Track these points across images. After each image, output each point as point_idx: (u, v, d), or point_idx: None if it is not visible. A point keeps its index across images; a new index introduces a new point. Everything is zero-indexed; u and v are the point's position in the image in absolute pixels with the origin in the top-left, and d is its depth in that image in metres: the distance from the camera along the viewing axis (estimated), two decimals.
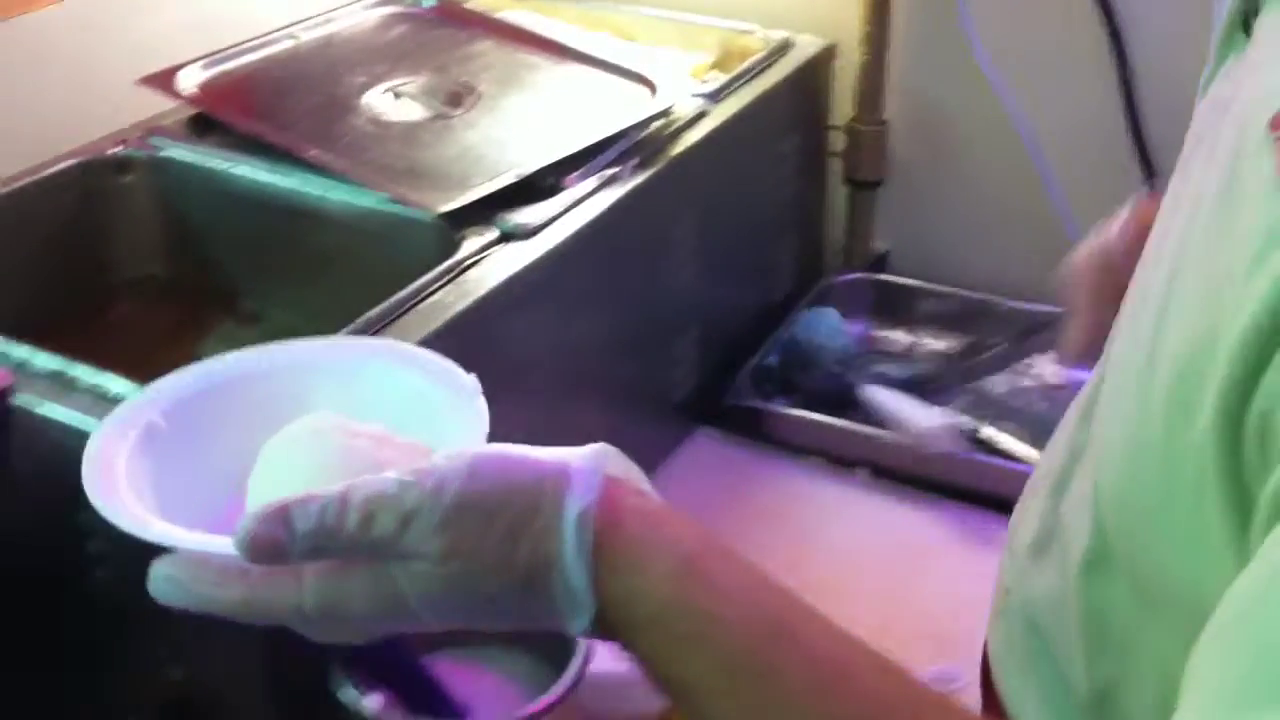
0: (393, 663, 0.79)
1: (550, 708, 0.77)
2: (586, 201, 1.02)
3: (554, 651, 0.85)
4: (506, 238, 0.97)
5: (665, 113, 1.13)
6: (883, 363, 1.36)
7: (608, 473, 0.54)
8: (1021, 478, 0.73)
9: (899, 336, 1.43)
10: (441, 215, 0.97)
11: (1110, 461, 0.54)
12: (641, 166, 1.08)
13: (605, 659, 0.80)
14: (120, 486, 0.60)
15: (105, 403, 0.79)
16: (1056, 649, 0.63)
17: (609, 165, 1.06)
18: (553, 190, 1.02)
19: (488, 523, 0.52)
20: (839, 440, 1.23)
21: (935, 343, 1.42)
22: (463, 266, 0.93)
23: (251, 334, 1.07)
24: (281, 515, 0.52)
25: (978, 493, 1.17)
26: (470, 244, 0.95)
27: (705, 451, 1.25)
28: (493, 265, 0.95)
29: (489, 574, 0.52)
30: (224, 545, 0.54)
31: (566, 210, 1.01)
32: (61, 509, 0.80)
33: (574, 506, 0.52)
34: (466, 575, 0.52)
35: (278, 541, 0.52)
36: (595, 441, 0.56)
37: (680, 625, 0.51)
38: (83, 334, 0.99)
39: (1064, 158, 1.35)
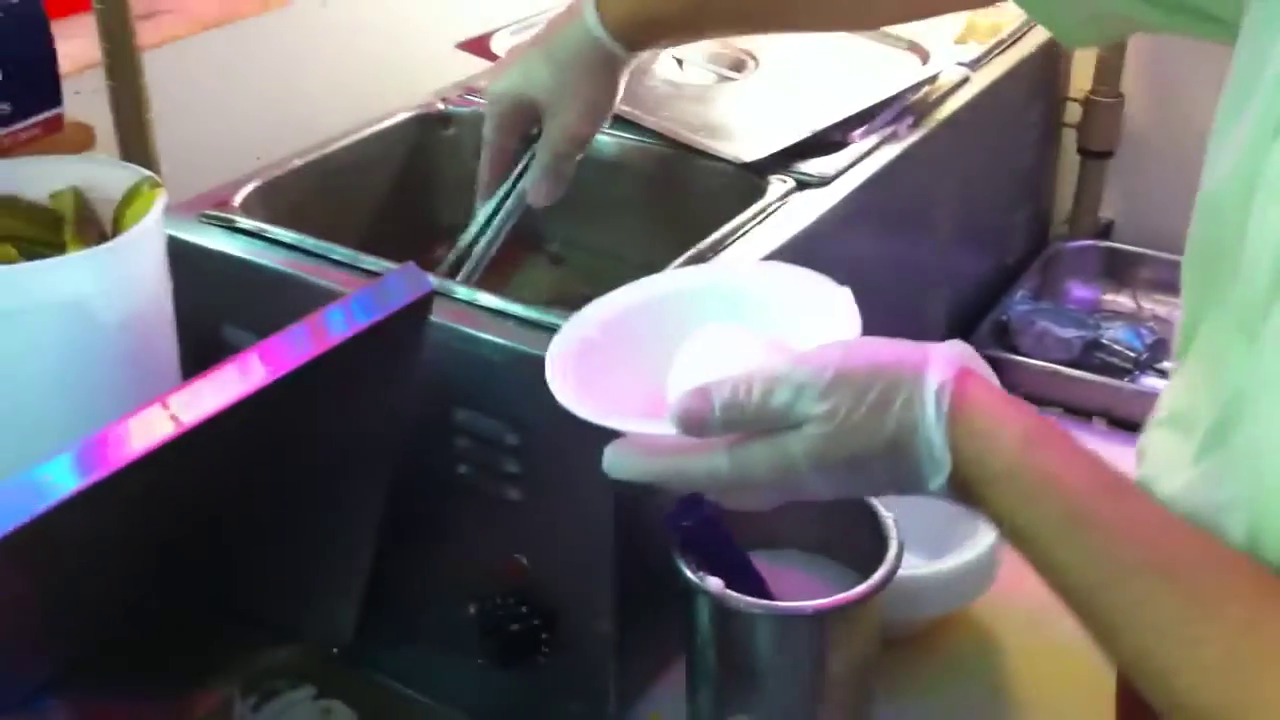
0: (720, 552, 0.89)
1: (865, 598, 0.87)
2: (870, 156, 1.12)
3: (857, 560, 0.94)
4: (803, 185, 1.07)
5: (934, 78, 1.22)
6: (1114, 323, 1.43)
7: (967, 367, 0.64)
8: None
9: (1125, 301, 1.50)
10: (744, 165, 1.07)
11: None
12: (915, 127, 1.17)
13: (906, 565, 0.90)
14: (572, 386, 0.75)
15: (477, 311, 0.91)
16: None
17: (888, 124, 1.15)
18: (839, 146, 1.12)
19: (861, 394, 0.63)
20: (1077, 391, 1.31)
21: (1159, 308, 1.49)
22: (771, 210, 1.03)
23: (556, 275, 1.18)
24: (704, 393, 0.66)
25: None
26: (774, 190, 1.05)
27: None
28: (793, 210, 1.05)
29: (862, 436, 0.63)
30: (659, 426, 0.68)
31: (854, 163, 1.10)
32: (445, 407, 0.92)
33: (933, 382, 0.62)
34: (844, 436, 0.63)
35: (702, 414, 0.66)
36: None
37: (1025, 481, 0.61)
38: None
39: None
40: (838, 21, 1.09)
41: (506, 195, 1.05)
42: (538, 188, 1.03)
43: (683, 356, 0.73)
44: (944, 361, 0.63)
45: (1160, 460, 0.72)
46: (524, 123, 1.03)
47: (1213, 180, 0.66)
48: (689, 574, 0.86)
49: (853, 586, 0.91)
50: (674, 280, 0.84)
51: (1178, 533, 0.60)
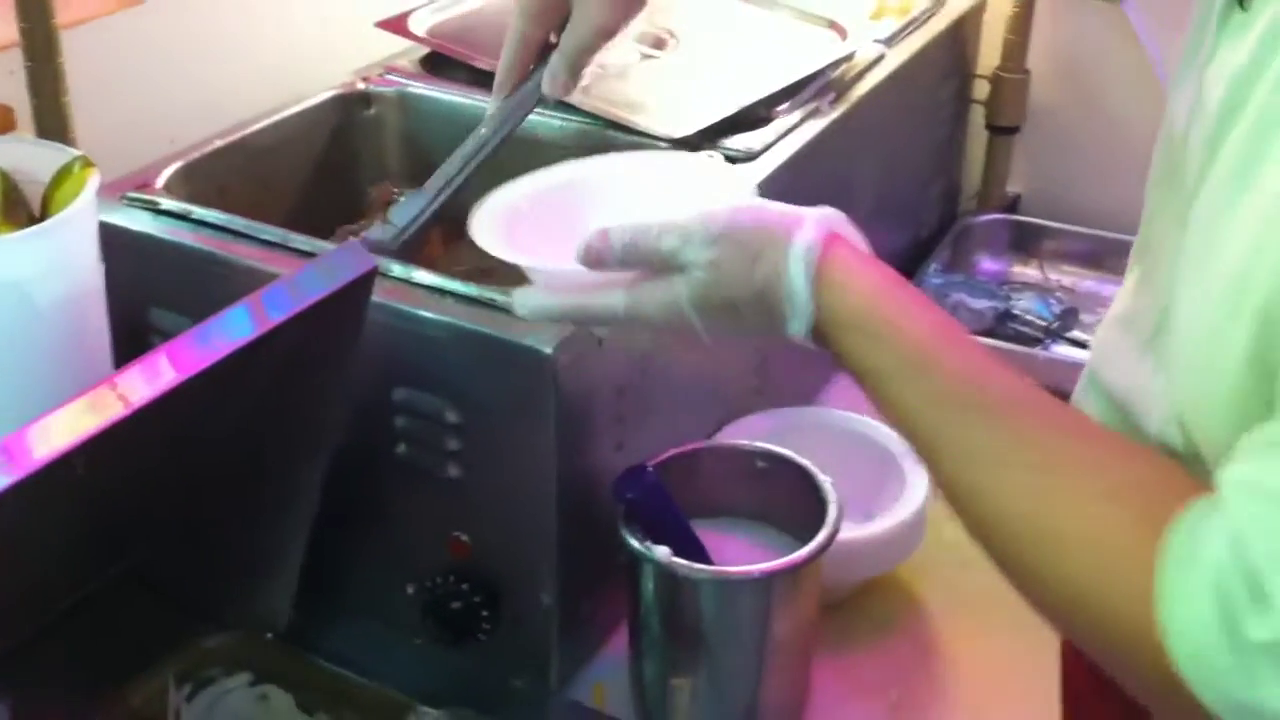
0: (664, 521, 0.91)
1: (809, 560, 0.89)
2: (795, 131, 1.13)
3: (794, 526, 0.96)
4: (731, 160, 1.08)
5: (852, 55, 1.24)
6: (1023, 294, 1.46)
7: (834, 229, 0.73)
8: None
9: (1032, 273, 1.54)
10: (673, 141, 1.08)
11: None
12: (835, 103, 1.19)
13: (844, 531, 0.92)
14: (492, 234, 0.84)
15: (416, 288, 0.91)
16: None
17: (810, 100, 1.17)
18: (763, 121, 1.13)
19: (741, 246, 0.73)
20: None
21: (1065, 279, 1.53)
22: None
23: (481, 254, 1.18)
24: (605, 232, 0.76)
25: None
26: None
27: None
28: None
29: (738, 283, 0.73)
30: (565, 264, 0.77)
31: (780, 138, 1.12)
32: (383, 387, 0.92)
33: (802, 240, 0.71)
34: (722, 282, 0.73)
35: (603, 250, 0.75)
36: None
37: (872, 327, 0.69)
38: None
39: None
40: None
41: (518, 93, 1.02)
42: (556, 79, 1.00)
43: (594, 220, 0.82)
44: (815, 224, 0.72)
45: (1108, 352, 0.79)
46: (554, 11, 0.99)
47: (1172, 114, 0.72)
48: (635, 543, 0.87)
49: (789, 549, 0.93)
50: (599, 165, 0.93)
51: (999, 375, 0.67)
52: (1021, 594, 0.64)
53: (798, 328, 0.71)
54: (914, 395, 0.67)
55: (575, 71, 1.00)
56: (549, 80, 1.00)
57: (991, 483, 0.64)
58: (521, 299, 0.81)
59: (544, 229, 0.85)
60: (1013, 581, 0.64)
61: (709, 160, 0.94)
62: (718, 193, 0.86)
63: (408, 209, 1.01)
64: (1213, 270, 0.59)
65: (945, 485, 0.67)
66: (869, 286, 0.70)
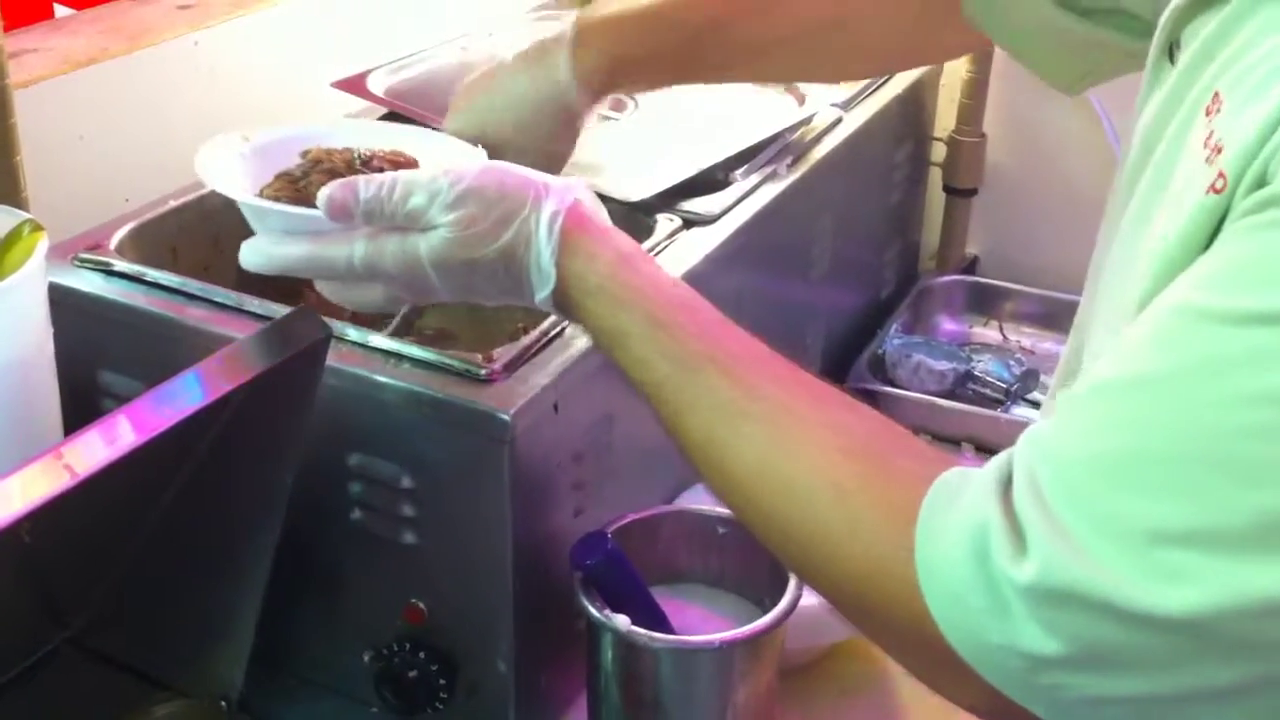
0: (624, 589, 0.90)
1: (770, 629, 0.88)
2: (753, 195, 1.14)
3: (753, 591, 0.95)
4: (689, 224, 1.08)
5: (810, 119, 1.24)
6: (983, 356, 1.47)
7: (579, 199, 0.75)
8: None
9: (992, 334, 1.55)
10: (631, 204, 1.08)
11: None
12: (793, 166, 1.19)
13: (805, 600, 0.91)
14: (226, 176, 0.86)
15: (371, 352, 0.90)
16: None
17: (767, 164, 1.17)
18: (723, 184, 1.13)
19: (488, 208, 0.74)
20: (953, 421, 1.34)
21: (1024, 340, 1.54)
22: (660, 248, 1.04)
23: (436, 313, 1.17)
24: (350, 185, 0.76)
25: None
26: (661, 228, 1.06)
27: None
28: (681, 248, 1.06)
29: (483, 245, 0.74)
30: (306, 212, 0.78)
31: (738, 202, 1.12)
32: (338, 451, 0.91)
33: (549, 208, 0.74)
34: (465, 243, 0.74)
35: (346, 202, 0.75)
36: None
37: (614, 292, 0.72)
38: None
39: None
40: (813, 73, 1.10)
41: None
42: None
43: None
44: (560, 193, 0.75)
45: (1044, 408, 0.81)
46: None
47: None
48: (595, 612, 0.86)
49: (750, 617, 0.92)
50: (332, 128, 0.94)
51: (735, 336, 0.71)
52: (772, 550, 0.66)
53: (541, 294, 0.74)
54: (653, 352, 0.70)
55: None
56: None
57: (729, 434, 0.66)
58: (248, 251, 0.81)
59: (263, 178, 0.87)
60: (760, 536, 0.67)
61: (448, 140, 0.95)
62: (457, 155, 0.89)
63: None
64: (1117, 308, 0.60)
65: (686, 443, 0.69)
66: (612, 254, 0.73)
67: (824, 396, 0.68)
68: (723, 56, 0.98)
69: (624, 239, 0.75)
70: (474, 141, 0.96)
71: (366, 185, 0.75)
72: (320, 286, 0.82)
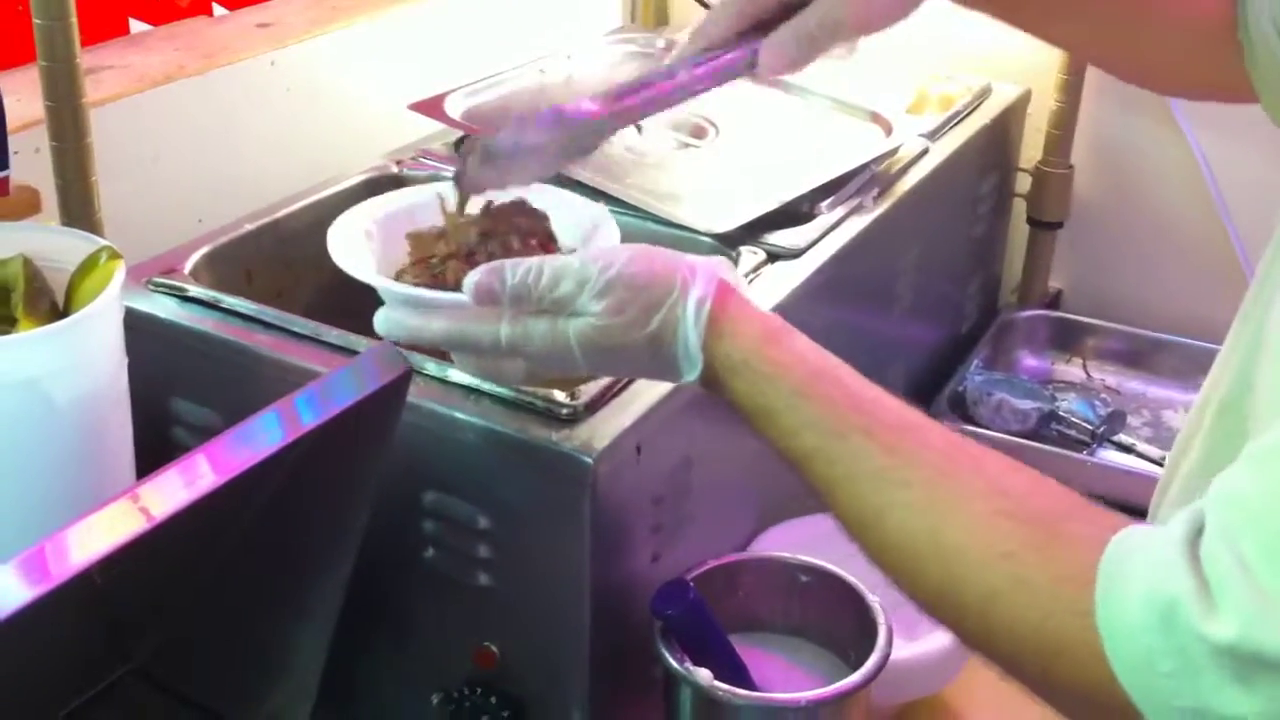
0: (704, 639, 0.86)
1: (858, 688, 0.84)
2: (839, 228, 1.10)
3: (835, 641, 0.92)
4: (774, 257, 1.05)
5: (896, 149, 1.21)
6: (1067, 395, 1.42)
7: (721, 276, 0.74)
8: None
9: (1075, 371, 1.50)
10: (716, 235, 1.05)
11: None
12: (880, 198, 1.16)
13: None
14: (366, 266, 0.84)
15: (450, 388, 0.87)
16: None
17: (853, 195, 1.14)
18: (807, 216, 1.10)
19: (636, 294, 0.73)
20: (1031, 461, 1.29)
21: (1109, 378, 1.49)
22: (745, 282, 1.01)
23: None
24: (498, 270, 0.74)
25: None
26: (745, 262, 1.03)
27: None
28: (766, 282, 1.02)
29: (632, 331, 0.73)
30: (452, 296, 0.77)
31: (824, 235, 1.08)
32: (413, 489, 0.88)
33: (696, 293, 0.73)
34: (614, 330, 0.73)
35: (493, 288, 0.74)
36: None
37: (761, 368, 0.71)
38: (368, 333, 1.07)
39: (1245, 203, 1.42)
40: (1116, 59, 0.95)
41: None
42: (782, 52, 0.77)
43: None
44: (706, 276, 0.74)
45: None
46: None
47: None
48: (675, 664, 0.83)
49: (832, 669, 0.89)
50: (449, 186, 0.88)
51: (885, 403, 0.69)
52: (943, 623, 0.65)
53: (689, 376, 0.74)
54: (804, 425, 0.69)
55: (806, 53, 0.77)
56: (773, 51, 0.77)
57: (887, 504, 0.65)
58: (385, 322, 0.80)
59: (392, 244, 0.87)
60: (929, 609, 0.65)
61: (563, 193, 0.92)
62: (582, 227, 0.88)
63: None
64: None
65: (843, 514, 0.68)
66: (757, 332, 0.72)
67: (983, 459, 0.66)
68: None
69: (768, 315, 0.74)
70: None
71: (513, 271, 0.74)
72: (457, 358, 0.81)
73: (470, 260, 0.81)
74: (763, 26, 0.79)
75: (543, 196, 0.88)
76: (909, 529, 0.64)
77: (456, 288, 0.77)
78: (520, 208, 0.86)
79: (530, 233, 0.85)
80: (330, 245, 0.85)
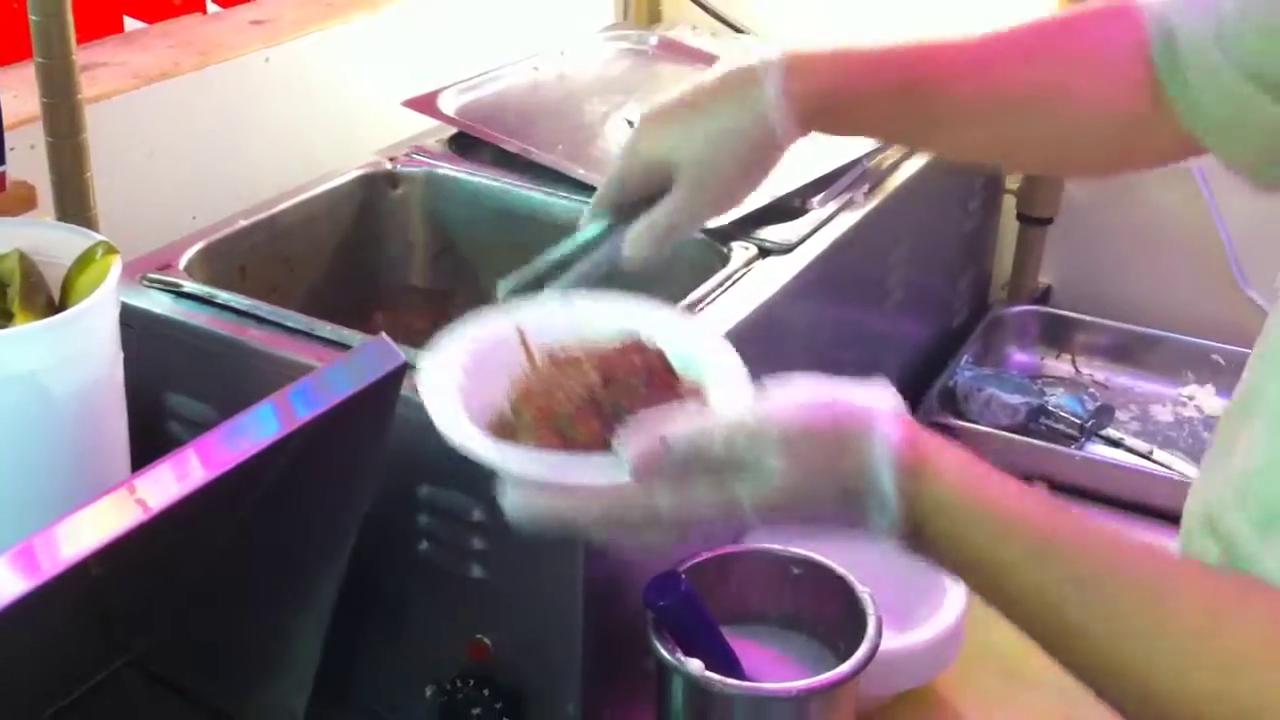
0: (696, 630, 0.87)
1: (847, 678, 0.85)
2: (830, 223, 1.11)
3: (825, 633, 0.93)
4: (765, 252, 1.06)
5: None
6: (1056, 390, 1.43)
7: (901, 414, 0.68)
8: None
9: (1064, 367, 1.51)
10: (706, 231, 1.06)
11: None
12: (870, 193, 1.17)
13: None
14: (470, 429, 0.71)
15: None
16: None
17: (844, 191, 1.15)
18: (799, 211, 1.11)
19: (818, 448, 0.66)
20: (1025, 457, 1.31)
21: (1098, 373, 1.50)
22: (736, 277, 1.02)
23: None
24: (661, 440, 0.66)
25: (1149, 506, 1.24)
26: (737, 257, 1.04)
27: None
28: (757, 277, 1.03)
29: (817, 487, 0.66)
30: (609, 474, 0.66)
31: (815, 230, 1.09)
32: (408, 483, 0.89)
33: (882, 438, 0.65)
34: (798, 487, 0.66)
35: (657, 460, 0.66)
36: None
37: (961, 510, 0.65)
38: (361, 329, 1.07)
39: (1234, 199, 1.43)
40: (1019, 154, 0.99)
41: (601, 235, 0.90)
42: (638, 245, 0.88)
43: None
44: (891, 418, 0.66)
45: None
46: (652, 185, 0.88)
47: None
48: (667, 654, 0.84)
49: (822, 660, 0.90)
50: (540, 314, 0.81)
51: (1126, 541, 0.64)
52: None
53: (884, 525, 0.66)
54: (1049, 580, 0.63)
55: (659, 246, 0.88)
56: (631, 243, 0.88)
57: (1156, 656, 0.61)
58: (517, 507, 0.69)
59: (489, 393, 0.74)
60: None
61: (678, 317, 0.84)
62: (699, 353, 0.77)
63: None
64: None
65: (1091, 669, 0.63)
66: (953, 467, 0.66)
67: (1251, 595, 0.62)
68: (934, 114, 0.89)
69: (961, 453, 0.67)
70: (658, 165, 0.86)
71: (680, 439, 0.66)
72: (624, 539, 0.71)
73: (598, 413, 0.70)
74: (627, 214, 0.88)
75: (650, 318, 0.79)
76: (1194, 691, 0.60)
77: (590, 448, 0.69)
78: (635, 346, 0.76)
79: (652, 371, 0.74)
80: (434, 415, 0.72)
